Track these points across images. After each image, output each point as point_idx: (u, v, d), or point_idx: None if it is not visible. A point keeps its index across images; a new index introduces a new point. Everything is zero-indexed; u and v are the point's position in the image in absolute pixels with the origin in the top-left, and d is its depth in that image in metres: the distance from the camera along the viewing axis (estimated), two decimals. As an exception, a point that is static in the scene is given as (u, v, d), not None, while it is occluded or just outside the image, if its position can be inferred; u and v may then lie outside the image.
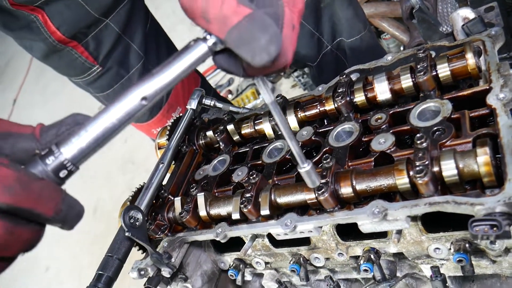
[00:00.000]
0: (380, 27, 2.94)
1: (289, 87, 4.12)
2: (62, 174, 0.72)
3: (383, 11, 2.81)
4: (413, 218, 1.06)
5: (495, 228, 0.80)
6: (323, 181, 1.05)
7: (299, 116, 1.39)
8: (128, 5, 2.05)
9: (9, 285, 5.09)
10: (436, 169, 0.93)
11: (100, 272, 1.20)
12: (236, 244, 1.38)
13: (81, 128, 0.74)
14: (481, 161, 0.87)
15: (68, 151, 0.72)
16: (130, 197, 1.49)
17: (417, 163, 0.93)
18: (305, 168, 0.98)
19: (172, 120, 1.67)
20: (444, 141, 1.00)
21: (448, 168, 0.91)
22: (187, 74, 0.79)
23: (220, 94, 4.61)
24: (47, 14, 1.81)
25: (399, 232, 1.06)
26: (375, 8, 2.82)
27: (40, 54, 1.99)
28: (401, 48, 3.04)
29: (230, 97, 4.50)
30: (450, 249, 1.07)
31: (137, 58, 2.17)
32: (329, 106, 1.32)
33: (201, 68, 4.69)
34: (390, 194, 1.06)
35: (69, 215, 0.75)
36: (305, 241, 1.26)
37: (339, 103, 1.28)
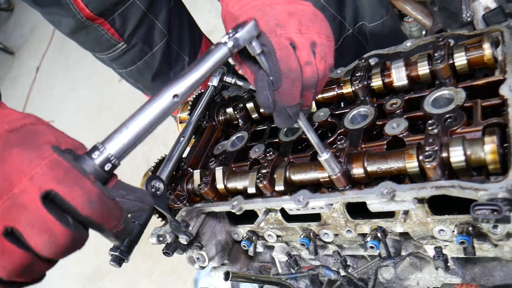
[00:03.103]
0: (403, 10, 2.92)
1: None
2: (107, 167, 0.78)
3: (407, -6, 2.78)
4: (420, 200, 1.11)
5: (495, 213, 0.85)
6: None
7: (317, 97, 1.44)
8: None
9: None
10: (444, 154, 0.98)
11: (122, 235, 1.29)
12: (249, 217, 1.45)
13: (122, 126, 0.81)
14: (488, 149, 0.92)
15: (112, 146, 0.79)
16: (152, 168, 1.57)
17: (427, 148, 0.98)
18: (324, 156, 1.08)
19: (194, 96, 1.73)
20: (455, 128, 1.05)
21: (456, 155, 0.96)
22: (211, 73, 0.88)
23: (239, 71, 4.65)
24: None
25: (406, 212, 1.12)
26: (399, -9, 2.80)
27: (68, 30, 2.06)
28: (423, 32, 3.02)
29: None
30: (453, 231, 1.12)
31: (161, 36, 2.22)
32: (347, 89, 1.36)
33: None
34: (400, 177, 1.11)
35: (123, 232, 0.81)
36: (315, 217, 1.33)
37: (356, 87, 1.32)
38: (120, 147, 0.80)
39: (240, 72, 1.08)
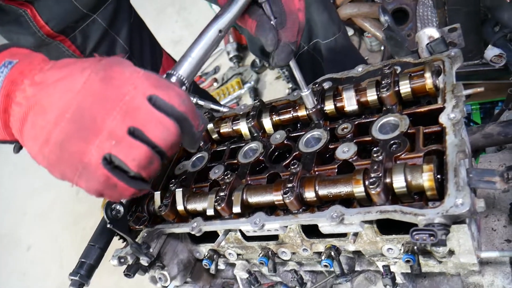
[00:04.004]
0: (362, 27, 3.03)
1: (273, 79, 4.21)
2: (183, 89, 1.01)
3: (365, 12, 2.90)
4: (369, 221, 1.17)
5: (432, 237, 0.91)
6: (289, 185, 1.16)
7: (273, 119, 1.49)
8: (114, 1, 2.10)
9: (-10, 263, 5.15)
10: (388, 180, 1.04)
11: (82, 260, 1.30)
12: (211, 235, 1.48)
13: (186, 56, 1.06)
14: (426, 177, 0.98)
15: (183, 71, 1.04)
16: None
17: (372, 175, 1.04)
18: (305, 92, 1.33)
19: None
20: (399, 154, 1.11)
21: (398, 181, 1.02)
22: (242, 11, 1.15)
23: (206, 81, 4.68)
24: (36, 9, 1.86)
25: (356, 234, 1.18)
26: (358, 8, 2.90)
27: (27, 47, 2.04)
28: (382, 48, 3.14)
29: (215, 85, 4.56)
30: (401, 249, 1.19)
31: (123, 52, 2.23)
32: (302, 112, 1.42)
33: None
34: (350, 199, 1.17)
35: (202, 131, 0.99)
36: (273, 237, 1.37)
37: (311, 111, 1.38)
38: (189, 71, 1.04)
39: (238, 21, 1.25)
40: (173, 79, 1.01)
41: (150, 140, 0.87)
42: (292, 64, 1.27)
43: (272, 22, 1.17)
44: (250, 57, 4.53)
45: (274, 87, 4.12)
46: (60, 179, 0.94)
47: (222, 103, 3.45)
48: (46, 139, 0.88)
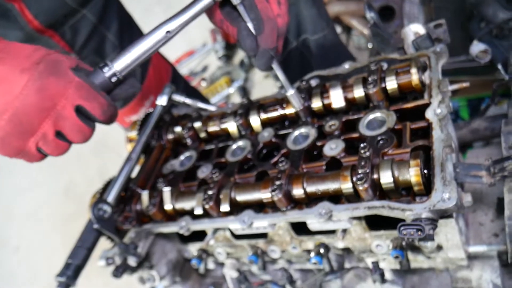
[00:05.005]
0: (349, 24, 3.04)
1: (262, 77, 4.19)
2: (113, 79, 1.11)
3: (352, 10, 2.90)
4: (358, 218, 1.17)
5: (419, 232, 0.91)
6: (277, 183, 1.15)
7: (261, 117, 1.48)
8: None
9: (-23, 265, 5.07)
10: (375, 176, 1.04)
11: (69, 261, 1.28)
12: (200, 234, 1.47)
13: (126, 50, 1.11)
14: (413, 172, 0.99)
15: (118, 65, 1.10)
16: (101, 190, 1.56)
17: (359, 171, 1.04)
18: (290, 92, 1.32)
19: (144, 115, 1.74)
20: (386, 150, 1.11)
21: (385, 177, 1.02)
22: (197, 17, 1.15)
23: (194, 80, 4.66)
24: (24, 3, 1.83)
25: (344, 230, 1.17)
26: (345, 6, 2.91)
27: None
28: (369, 46, 3.14)
29: (203, 84, 4.54)
30: (389, 246, 1.19)
31: (112, 48, 2.21)
32: (289, 110, 1.41)
33: (175, 55, 4.71)
34: (338, 196, 1.16)
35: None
36: (263, 235, 1.37)
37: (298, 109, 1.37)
38: (124, 66, 1.10)
39: (220, 27, 1.27)
40: (106, 69, 1.10)
41: (71, 142, 1.13)
42: (275, 67, 1.27)
43: (250, 28, 1.17)
44: (238, 56, 4.51)
45: (263, 86, 4.11)
46: None
47: (210, 102, 3.44)
48: None
